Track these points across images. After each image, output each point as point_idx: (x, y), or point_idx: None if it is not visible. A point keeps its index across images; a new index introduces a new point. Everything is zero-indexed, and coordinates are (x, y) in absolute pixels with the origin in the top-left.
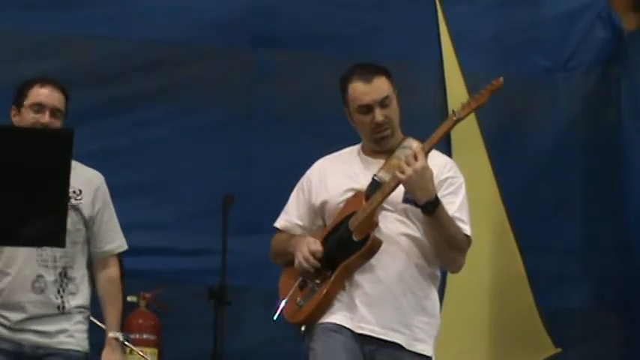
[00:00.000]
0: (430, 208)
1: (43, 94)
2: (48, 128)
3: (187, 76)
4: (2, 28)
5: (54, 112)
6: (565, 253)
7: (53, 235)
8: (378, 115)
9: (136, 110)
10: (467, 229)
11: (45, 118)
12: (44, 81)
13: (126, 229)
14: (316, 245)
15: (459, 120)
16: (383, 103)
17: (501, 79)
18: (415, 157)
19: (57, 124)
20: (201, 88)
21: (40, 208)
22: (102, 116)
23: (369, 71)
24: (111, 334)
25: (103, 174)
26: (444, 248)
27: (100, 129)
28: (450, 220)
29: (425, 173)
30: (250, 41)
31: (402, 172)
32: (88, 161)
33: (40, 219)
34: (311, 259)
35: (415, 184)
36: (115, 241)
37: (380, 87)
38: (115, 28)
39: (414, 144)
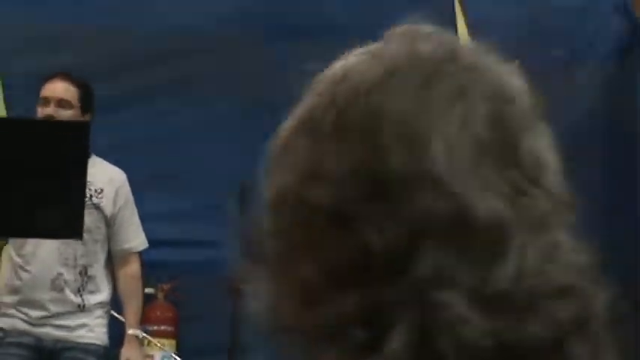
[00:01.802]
0: None
1: (48, 88)
2: (63, 120)
3: (202, 67)
4: (17, 20)
5: (60, 103)
6: (583, 243)
7: (69, 227)
8: None
9: (150, 102)
10: None
11: (49, 109)
12: (52, 76)
13: (143, 220)
14: None
15: None
16: None
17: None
18: None
19: (64, 113)
20: (215, 78)
21: (56, 200)
22: (117, 108)
23: None
24: (130, 332)
25: (120, 165)
26: None
27: (115, 120)
28: None
29: None
30: (265, 31)
31: None
32: (104, 153)
33: (56, 211)
34: None
35: None
36: (137, 238)
37: None
38: (128, 19)
39: None
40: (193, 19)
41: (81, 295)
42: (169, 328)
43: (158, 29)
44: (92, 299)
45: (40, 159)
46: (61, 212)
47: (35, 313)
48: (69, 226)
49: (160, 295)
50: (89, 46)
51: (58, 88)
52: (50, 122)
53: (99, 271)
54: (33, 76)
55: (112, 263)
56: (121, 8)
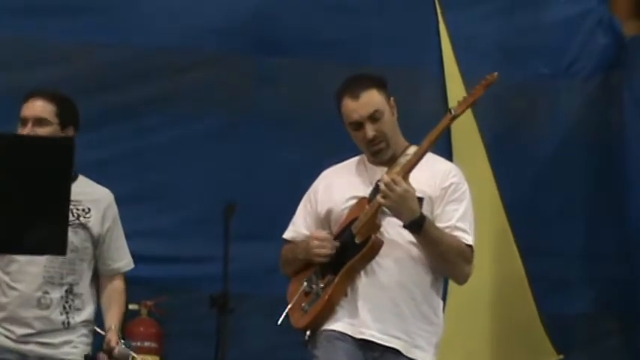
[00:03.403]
0: (415, 227)
1: (25, 108)
2: (48, 136)
3: (189, 83)
4: (4, 33)
5: (36, 121)
6: (567, 258)
7: (54, 244)
8: (369, 130)
9: (137, 117)
10: (468, 238)
11: (26, 130)
12: (29, 95)
13: (128, 236)
14: (322, 233)
15: (455, 117)
16: (373, 117)
17: (496, 74)
18: (395, 182)
19: (41, 131)
20: (203, 94)
21: (40, 217)
22: (103, 124)
23: (358, 86)
24: (113, 327)
25: (105, 182)
26: (440, 262)
27: (101, 136)
28: (442, 234)
29: (406, 196)
30: (252, 47)
31: (385, 197)
32: (90, 168)
33: (40, 227)
34: (327, 243)
35: (398, 208)
36: (123, 259)
37: (368, 102)
38: (115, 34)
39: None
40: (182, 34)
41: (67, 313)
42: (153, 345)
43: (145, 45)
44: (77, 317)
45: (24, 174)
46: (44, 228)
47: (20, 331)
48: (53, 243)
49: (144, 312)
50: (76, 61)
51: (33, 108)
52: (34, 137)
53: (84, 289)
54: (19, 90)
55: (97, 281)
56: (109, 24)
